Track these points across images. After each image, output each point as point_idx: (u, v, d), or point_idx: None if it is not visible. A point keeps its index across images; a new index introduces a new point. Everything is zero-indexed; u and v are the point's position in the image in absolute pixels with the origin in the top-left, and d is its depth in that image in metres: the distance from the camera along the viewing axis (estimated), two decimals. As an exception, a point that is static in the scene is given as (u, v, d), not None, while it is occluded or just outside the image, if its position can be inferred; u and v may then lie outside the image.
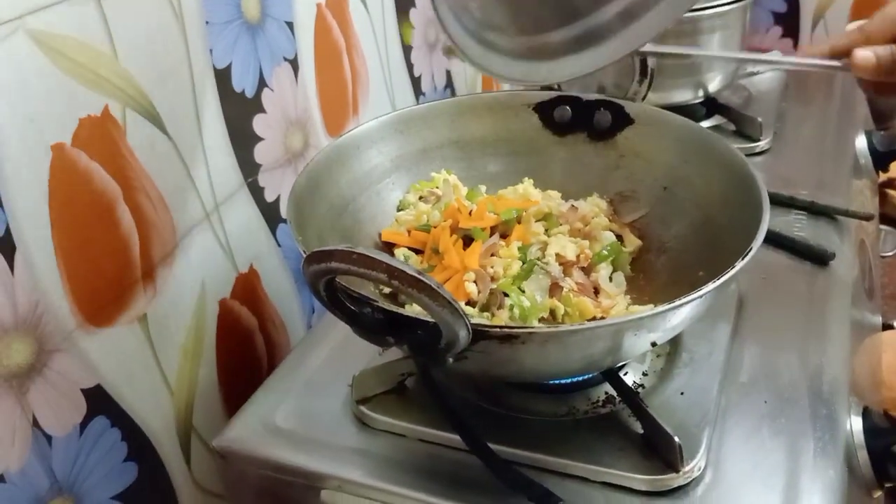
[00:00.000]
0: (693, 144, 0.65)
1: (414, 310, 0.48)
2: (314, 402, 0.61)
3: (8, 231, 0.48)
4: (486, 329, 0.43)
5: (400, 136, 0.68)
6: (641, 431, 0.54)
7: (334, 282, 0.44)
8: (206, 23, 0.63)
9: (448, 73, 1.07)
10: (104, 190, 0.55)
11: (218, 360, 0.68)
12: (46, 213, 0.51)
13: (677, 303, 0.45)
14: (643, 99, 0.70)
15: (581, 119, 0.71)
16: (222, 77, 0.65)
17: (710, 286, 0.46)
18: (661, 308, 0.45)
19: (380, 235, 0.65)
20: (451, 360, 0.44)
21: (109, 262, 0.56)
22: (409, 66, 0.97)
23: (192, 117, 0.63)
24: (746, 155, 0.88)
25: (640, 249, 0.65)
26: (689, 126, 0.66)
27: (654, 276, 0.63)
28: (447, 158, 0.70)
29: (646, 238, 0.66)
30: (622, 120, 0.69)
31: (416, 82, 0.99)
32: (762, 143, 0.90)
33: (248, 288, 0.71)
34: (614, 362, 0.55)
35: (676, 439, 0.50)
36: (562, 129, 0.71)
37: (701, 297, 0.45)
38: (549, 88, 0.73)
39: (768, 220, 0.52)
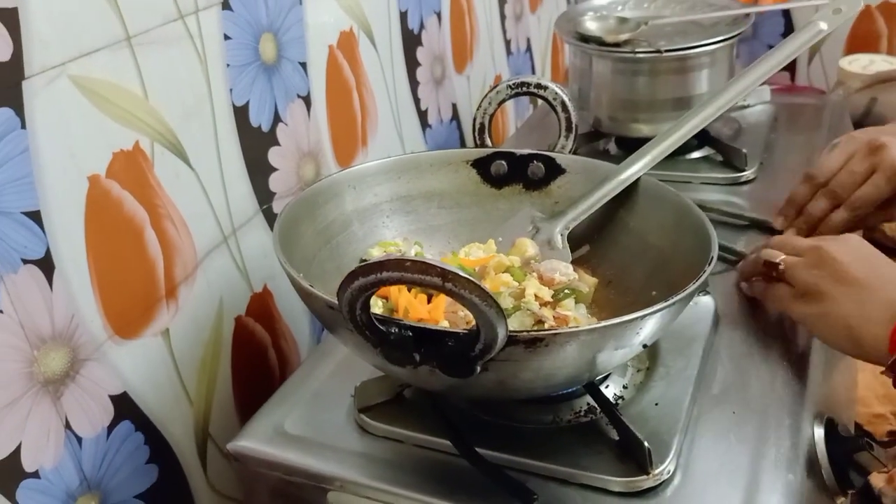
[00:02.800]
0: (645, 194, 0.71)
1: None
2: (320, 411, 0.66)
3: (48, 252, 0.54)
4: (516, 334, 0.47)
5: (353, 191, 0.72)
6: (617, 438, 0.59)
7: (370, 301, 0.47)
8: (227, 65, 0.69)
9: (454, 107, 1.13)
10: (134, 216, 0.61)
11: (233, 372, 0.74)
12: (82, 236, 0.57)
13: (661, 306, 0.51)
14: (571, 152, 0.76)
15: (516, 171, 0.76)
16: (241, 113, 0.72)
17: (686, 291, 0.52)
18: (650, 310, 0.51)
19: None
20: (479, 368, 0.48)
21: (137, 280, 0.62)
22: (416, 101, 1.03)
23: (213, 150, 0.69)
24: (733, 184, 0.96)
25: (597, 286, 0.70)
26: (613, 169, 0.72)
27: (609, 306, 0.68)
28: (396, 211, 0.75)
29: (597, 274, 0.71)
30: (554, 170, 0.75)
31: (422, 115, 1.05)
32: (747, 173, 0.95)
33: (262, 306, 0.77)
34: (603, 370, 0.60)
35: (646, 444, 0.55)
36: (499, 181, 0.77)
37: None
38: (484, 146, 0.78)
39: (716, 242, 0.58)
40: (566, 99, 0.75)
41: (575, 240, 0.72)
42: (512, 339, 0.47)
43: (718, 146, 0.99)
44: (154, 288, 0.64)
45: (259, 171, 0.75)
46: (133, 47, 0.60)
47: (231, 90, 0.70)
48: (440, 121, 1.10)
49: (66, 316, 0.56)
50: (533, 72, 1.42)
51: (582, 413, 0.62)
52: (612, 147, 1.08)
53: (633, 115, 1.01)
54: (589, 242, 0.73)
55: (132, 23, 0.59)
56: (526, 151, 0.76)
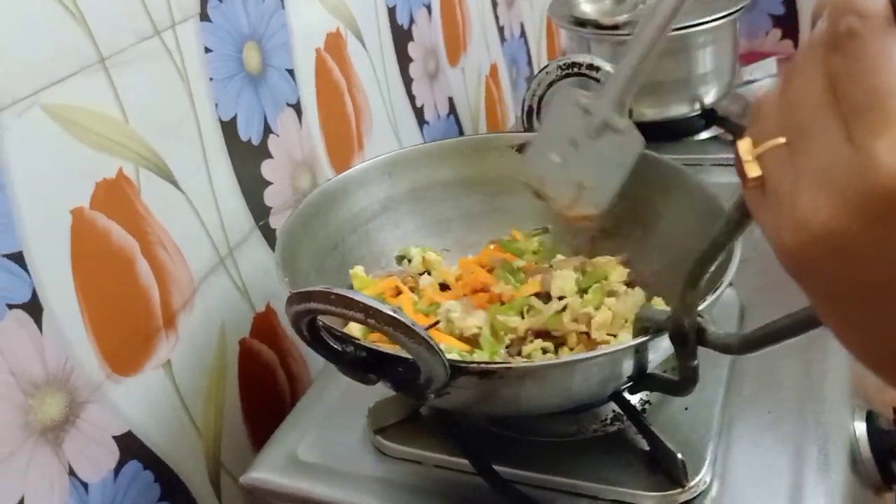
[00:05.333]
0: (667, 183, 0.67)
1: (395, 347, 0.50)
2: (334, 434, 0.63)
3: (34, 294, 0.51)
4: (464, 365, 0.46)
5: (388, 178, 0.71)
6: (648, 449, 0.56)
7: (316, 321, 0.46)
8: (210, 79, 0.66)
9: (451, 101, 1.10)
10: (123, 247, 0.58)
11: (241, 397, 0.71)
12: (70, 273, 0.54)
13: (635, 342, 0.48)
14: None
15: None
16: (228, 128, 0.68)
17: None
18: (628, 343, 0.47)
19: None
20: (432, 395, 0.46)
21: (132, 313, 0.59)
22: (411, 98, 1.00)
23: (202, 169, 0.66)
24: None
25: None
26: (675, 169, 0.67)
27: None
28: (434, 199, 0.73)
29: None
30: None
31: (418, 112, 1.02)
32: (761, 151, 0.91)
33: (266, 326, 0.74)
34: (598, 395, 0.57)
35: (679, 456, 0.52)
36: None
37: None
38: (532, 130, 0.75)
39: (738, 256, 0.53)
40: None
41: (609, 243, 0.69)
42: (461, 371, 0.46)
43: (727, 125, 0.96)
44: (151, 319, 0.61)
45: (252, 186, 0.72)
46: (108, 69, 0.56)
47: (216, 105, 0.67)
48: (437, 116, 1.07)
49: (59, 359, 0.53)
50: (528, 58, 1.38)
51: (608, 421, 0.59)
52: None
53: (636, 99, 0.96)
54: (625, 244, 0.69)
55: (105, 44, 0.56)
56: None
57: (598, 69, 0.72)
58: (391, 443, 0.60)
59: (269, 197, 0.74)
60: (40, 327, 0.52)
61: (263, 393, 0.74)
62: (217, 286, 0.68)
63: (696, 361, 0.46)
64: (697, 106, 0.95)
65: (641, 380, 0.54)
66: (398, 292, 0.66)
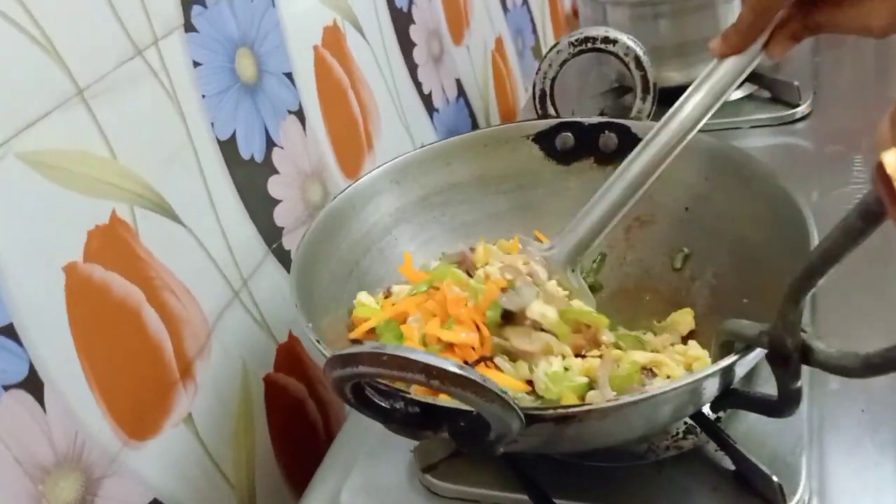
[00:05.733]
0: (711, 159, 0.60)
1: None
2: (379, 475, 0.58)
3: (32, 368, 0.45)
4: (541, 413, 0.40)
5: (397, 187, 0.65)
6: (733, 467, 0.50)
7: (360, 382, 0.40)
8: (203, 96, 0.59)
9: (458, 83, 1.02)
10: (126, 298, 0.52)
11: (272, 438, 0.66)
12: (69, 337, 0.48)
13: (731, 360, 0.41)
14: (649, 116, 0.65)
15: (585, 145, 0.67)
16: (228, 148, 0.62)
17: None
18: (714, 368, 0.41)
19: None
20: (501, 449, 0.41)
21: (144, 370, 0.53)
22: (418, 85, 0.93)
23: (205, 198, 0.59)
24: (786, 123, 0.85)
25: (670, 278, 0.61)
26: (705, 140, 0.60)
27: (699, 304, 0.59)
28: (449, 203, 0.67)
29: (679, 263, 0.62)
30: (629, 141, 0.64)
31: (426, 100, 0.95)
32: (802, 108, 0.84)
33: (290, 356, 0.68)
34: (679, 419, 0.51)
35: (775, 479, 0.46)
36: (566, 157, 0.67)
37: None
38: (546, 117, 0.68)
39: (816, 235, 0.47)
40: (640, 53, 0.64)
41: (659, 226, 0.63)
42: (537, 419, 0.39)
43: (764, 81, 0.88)
44: (165, 373, 0.55)
45: (260, 207, 0.66)
46: (87, 101, 0.50)
47: (212, 124, 0.60)
48: (446, 101, 1.00)
49: (68, 435, 0.47)
50: (533, 26, 1.30)
51: (681, 436, 0.53)
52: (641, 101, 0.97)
53: (660, 63, 0.89)
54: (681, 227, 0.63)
55: (81, 73, 0.49)
56: (595, 120, 0.66)
57: (614, 42, 0.65)
58: (442, 482, 0.54)
59: (280, 216, 0.68)
60: (43, 405, 0.46)
61: (295, 429, 0.69)
62: (234, 322, 0.62)
63: (799, 382, 0.39)
64: (728, 64, 0.88)
65: (725, 398, 0.47)
66: (405, 318, 0.58)
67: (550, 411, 0.40)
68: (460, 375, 0.35)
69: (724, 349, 0.43)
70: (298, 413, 0.70)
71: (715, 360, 0.45)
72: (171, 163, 0.56)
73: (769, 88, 0.88)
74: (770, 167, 0.56)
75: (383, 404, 0.41)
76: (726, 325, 0.43)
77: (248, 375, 0.63)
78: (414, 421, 0.41)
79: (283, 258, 0.68)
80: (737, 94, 0.90)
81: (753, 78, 0.89)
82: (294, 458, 0.68)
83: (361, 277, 0.61)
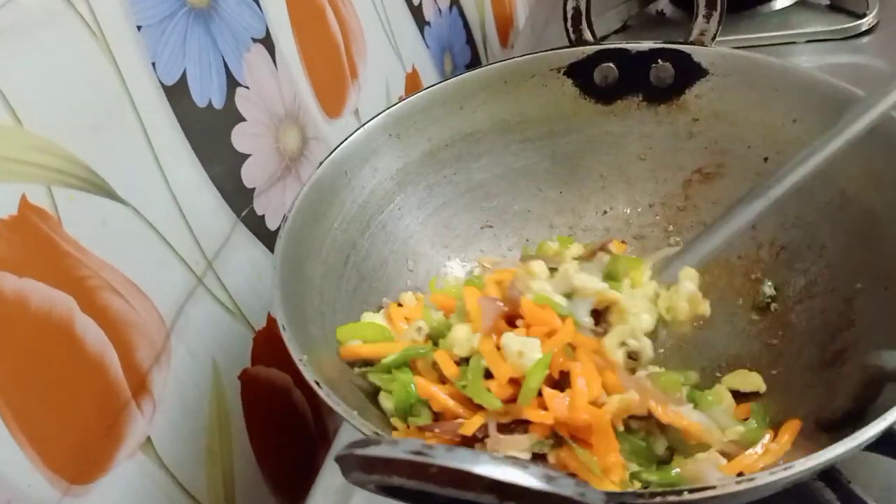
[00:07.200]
0: (802, 95, 0.47)
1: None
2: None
3: (-79, 429, 0.33)
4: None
5: (397, 142, 0.52)
6: (838, 505, 0.39)
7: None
8: (138, 28, 0.45)
9: (452, -10, 0.87)
10: (50, 310, 0.39)
11: (253, 444, 0.55)
12: (-24, 374, 0.36)
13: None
14: (714, 39, 0.52)
15: (633, 78, 0.53)
16: (177, 94, 0.48)
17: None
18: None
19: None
20: None
21: (83, 396, 0.41)
22: (407, -5, 0.78)
23: (150, 164, 0.46)
24: (850, 37, 0.72)
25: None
26: (793, 71, 0.48)
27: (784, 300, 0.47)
28: (462, 158, 0.54)
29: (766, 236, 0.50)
30: (690, 72, 0.52)
31: (417, 13, 0.80)
32: (868, 19, 0.71)
33: (271, 344, 0.57)
34: None
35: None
36: (608, 94, 0.54)
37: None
38: (581, 43, 0.55)
39: None
40: None
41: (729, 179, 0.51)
42: None
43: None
44: (112, 394, 0.43)
45: (224, 166, 0.53)
46: (-28, 49, 0.36)
47: (154, 64, 0.46)
48: (438, 12, 0.85)
49: (-17, 501, 0.36)
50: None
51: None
52: (667, 7, 0.83)
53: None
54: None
55: (-44, 10, 0.35)
56: (646, 46, 0.52)
57: None
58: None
59: (249, 174, 0.55)
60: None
61: (280, 427, 0.58)
62: (199, 316, 0.50)
63: None
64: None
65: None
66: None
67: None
68: (547, 493, 0.23)
69: (869, 388, 0.32)
70: (284, 408, 0.59)
71: (856, 400, 0.34)
72: (101, 123, 0.43)
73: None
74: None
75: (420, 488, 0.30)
76: (879, 359, 0.32)
77: (221, 377, 0.52)
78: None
79: (257, 226, 0.56)
80: (781, 3, 0.76)
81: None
82: (280, 459, 0.57)
83: (360, 264, 0.48)
